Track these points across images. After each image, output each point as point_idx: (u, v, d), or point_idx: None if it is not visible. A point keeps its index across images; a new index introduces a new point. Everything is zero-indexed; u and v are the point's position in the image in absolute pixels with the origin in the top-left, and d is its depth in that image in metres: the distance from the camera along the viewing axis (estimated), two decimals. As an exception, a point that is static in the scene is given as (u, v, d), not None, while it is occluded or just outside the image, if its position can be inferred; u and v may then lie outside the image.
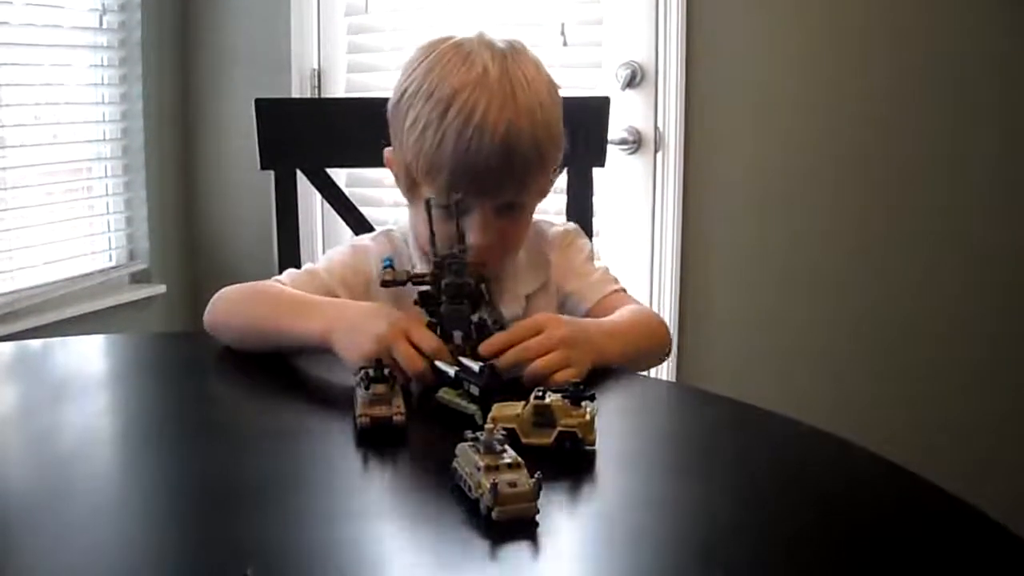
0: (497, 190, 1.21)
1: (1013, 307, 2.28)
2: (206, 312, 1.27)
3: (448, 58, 1.21)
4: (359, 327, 1.10)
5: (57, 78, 2.66)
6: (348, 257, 1.34)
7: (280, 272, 1.38)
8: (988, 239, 2.27)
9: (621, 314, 1.27)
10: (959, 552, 0.74)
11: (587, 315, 1.31)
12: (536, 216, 1.42)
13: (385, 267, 1.13)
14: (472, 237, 1.20)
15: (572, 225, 1.46)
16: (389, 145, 1.30)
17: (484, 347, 1.05)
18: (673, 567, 0.72)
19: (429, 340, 1.05)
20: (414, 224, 1.31)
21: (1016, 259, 2.27)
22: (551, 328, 1.09)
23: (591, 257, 1.42)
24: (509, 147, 1.17)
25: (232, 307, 1.26)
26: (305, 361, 1.16)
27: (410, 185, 1.28)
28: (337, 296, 1.28)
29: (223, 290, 1.29)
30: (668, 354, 1.33)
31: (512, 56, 1.22)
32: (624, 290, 1.38)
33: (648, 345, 1.26)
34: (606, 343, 1.16)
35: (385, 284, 1.12)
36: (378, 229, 1.41)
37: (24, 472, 0.88)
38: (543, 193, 1.32)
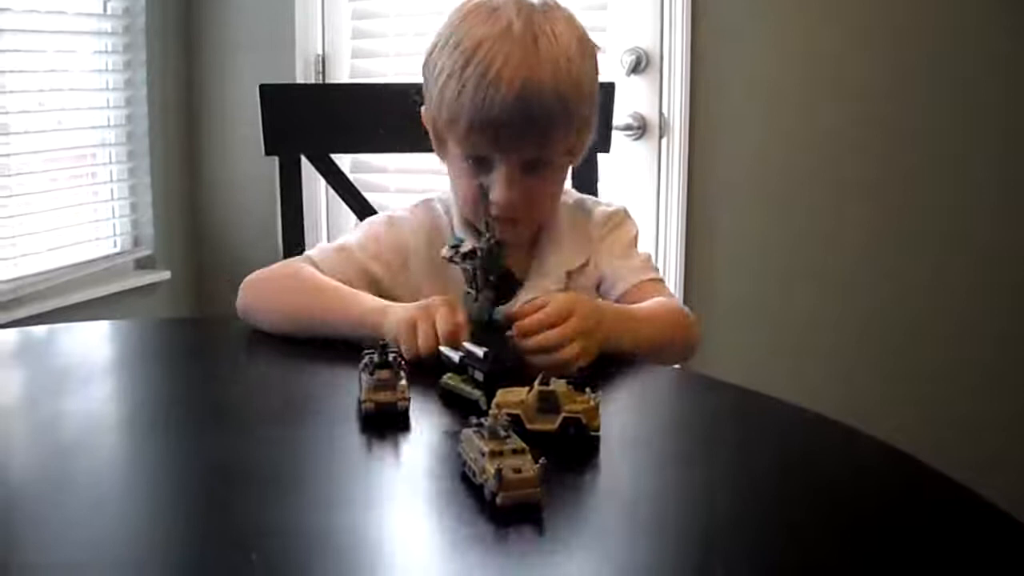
0: (516, 144, 1.20)
1: (1018, 305, 2.27)
2: (239, 296, 1.26)
3: (476, 11, 1.23)
4: (404, 310, 1.11)
5: (61, 64, 2.66)
6: (383, 231, 1.34)
7: (285, 257, 1.38)
8: (993, 234, 2.27)
9: (649, 304, 1.26)
10: (964, 539, 0.74)
11: (619, 300, 1.30)
12: (584, 196, 1.44)
13: (452, 245, 1.10)
14: (495, 193, 1.21)
15: (621, 206, 1.44)
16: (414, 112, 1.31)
17: (518, 328, 1.05)
18: (677, 553, 0.72)
19: (445, 323, 1.05)
20: (454, 180, 1.31)
21: (1022, 256, 2.26)
22: (579, 313, 1.08)
23: (635, 242, 1.41)
24: (526, 101, 1.16)
25: (270, 294, 1.25)
26: (310, 346, 1.16)
27: (438, 138, 1.29)
28: (371, 272, 1.28)
29: (255, 275, 1.28)
30: (693, 352, 1.29)
31: (542, 11, 1.22)
32: (661, 280, 1.37)
33: (668, 339, 1.23)
34: (618, 329, 1.15)
35: (450, 261, 1.11)
36: (420, 199, 1.40)
37: (29, 458, 0.88)
38: (573, 152, 1.30)
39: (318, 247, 1.34)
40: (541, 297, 1.12)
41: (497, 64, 1.16)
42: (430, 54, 1.26)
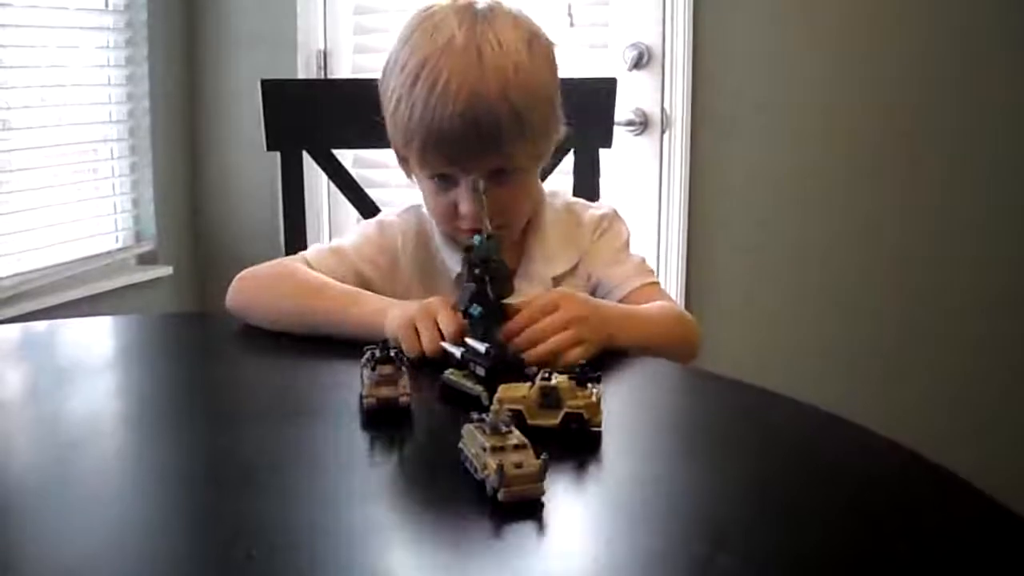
0: (471, 159, 1.19)
1: (1019, 305, 2.27)
2: (230, 293, 1.26)
3: (421, 27, 1.21)
4: (403, 309, 1.11)
5: (63, 60, 2.65)
6: (375, 234, 1.34)
7: (287, 253, 1.39)
8: (995, 235, 2.27)
9: (649, 305, 1.25)
10: (968, 535, 0.74)
11: None
12: (574, 199, 1.43)
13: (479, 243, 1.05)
14: (462, 208, 1.21)
15: (610, 209, 1.41)
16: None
17: (505, 332, 1.04)
18: (678, 548, 0.72)
19: (448, 323, 1.05)
20: (424, 199, 1.31)
21: (1023, 257, 2.26)
22: (565, 305, 1.08)
23: (627, 245, 1.38)
24: (475, 115, 1.15)
25: (268, 292, 1.25)
26: (312, 342, 1.16)
27: (399, 158, 1.29)
28: (363, 274, 1.28)
29: (249, 272, 1.28)
30: (694, 354, 1.27)
31: (484, 18, 1.19)
32: (658, 284, 1.35)
33: (667, 341, 1.21)
34: (621, 325, 1.15)
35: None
36: (407, 205, 1.39)
37: (30, 454, 0.89)
38: (540, 157, 1.28)
39: (313, 248, 1.35)
40: (526, 296, 1.11)
41: (442, 80, 1.15)
42: (383, 76, 1.25)
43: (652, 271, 1.36)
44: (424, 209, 1.35)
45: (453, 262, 1.28)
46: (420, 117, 1.17)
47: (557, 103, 1.26)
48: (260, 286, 1.26)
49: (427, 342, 1.05)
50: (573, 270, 1.33)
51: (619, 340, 1.13)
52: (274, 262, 1.32)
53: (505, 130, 1.17)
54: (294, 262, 1.29)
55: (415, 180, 1.30)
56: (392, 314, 1.11)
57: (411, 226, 1.35)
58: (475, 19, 1.19)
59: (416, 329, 1.06)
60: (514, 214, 1.27)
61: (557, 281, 1.31)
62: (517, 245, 1.32)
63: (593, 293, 1.31)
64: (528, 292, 1.21)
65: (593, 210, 1.39)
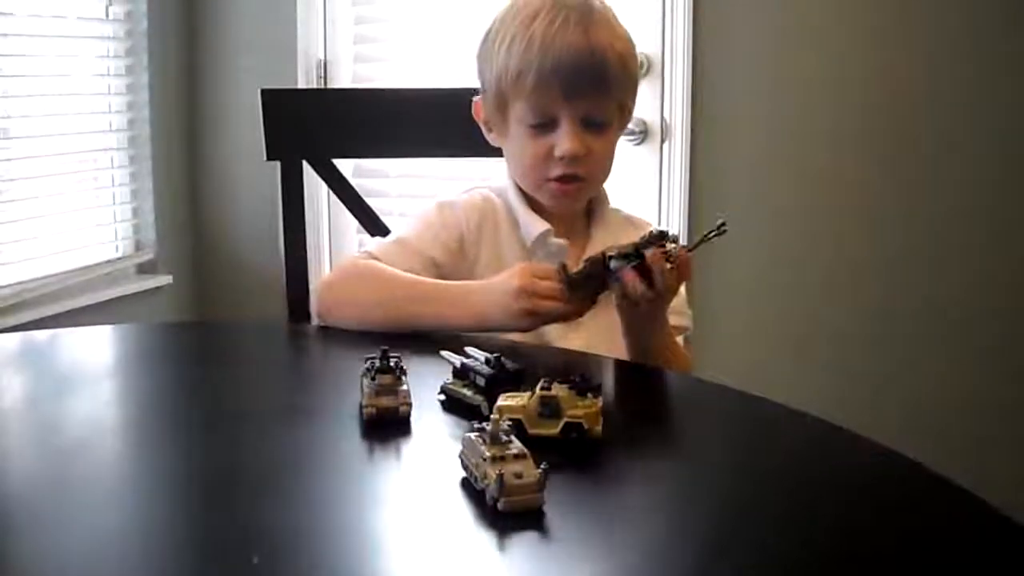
0: (582, 90, 1.27)
1: (1020, 306, 2.27)
2: (316, 299, 1.30)
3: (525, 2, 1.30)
4: (499, 298, 1.18)
5: (63, 69, 2.66)
6: (435, 218, 1.36)
7: (287, 262, 1.39)
8: (997, 235, 2.27)
9: (680, 346, 1.37)
10: (964, 543, 0.73)
11: None
12: (635, 215, 1.49)
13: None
14: (561, 147, 1.28)
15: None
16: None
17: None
18: (679, 559, 0.72)
19: (547, 269, 1.17)
20: (515, 155, 1.35)
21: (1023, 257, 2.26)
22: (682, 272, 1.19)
23: None
24: (590, 49, 1.25)
25: (359, 292, 1.27)
26: (312, 349, 1.16)
27: (500, 112, 1.33)
28: (434, 258, 1.31)
29: (331, 277, 1.36)
30: None
31: None
32: (685, 331, 1.41)
33: (667, 365, 1.26)
34: (665, 331, 1.27)
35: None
36: (472, 186, 1.42)
37: (31, 462, 0.88)
38: (626, 116, 1.38)
39: (374, 242, 1.38)
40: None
41: (560, 17, 1.25)
42: (486, 38, 1.33)
43: (689, 314, 1.42)
44: (489, 192, 1.39)
45: (531, 228, 1.34)
46: (540, 46, 1.25)
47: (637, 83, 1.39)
48: (348, 289, 1.29)
49: (550, 303, 1.15)
50: None
51: (657, 336, 1.25)
52: (348, 263, 1.37)
53: (612, 72, 1.27)
54: (366, 260, 1.31)
55: (502, 141, 1.36)
56: (499, 308, 1.17)
57: (474, 204, 1.37)
58: None
59: (533, 297, 1.15)
60: (600, 169, 1.35)
61: None
62: (582, 236, 1.38)
63: None
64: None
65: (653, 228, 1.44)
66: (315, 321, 1.30)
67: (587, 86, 1.26)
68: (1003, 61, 2.20)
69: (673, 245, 1.15)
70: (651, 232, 1.16)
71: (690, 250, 1.17)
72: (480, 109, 1.38)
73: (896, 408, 2.30)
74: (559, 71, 1.25)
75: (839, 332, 2.39)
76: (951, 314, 2.31)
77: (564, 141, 1.27)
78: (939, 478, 0.82)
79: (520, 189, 1.37)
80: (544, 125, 1.29)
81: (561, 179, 1.30)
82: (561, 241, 1.34)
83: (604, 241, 1.34)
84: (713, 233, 1.15)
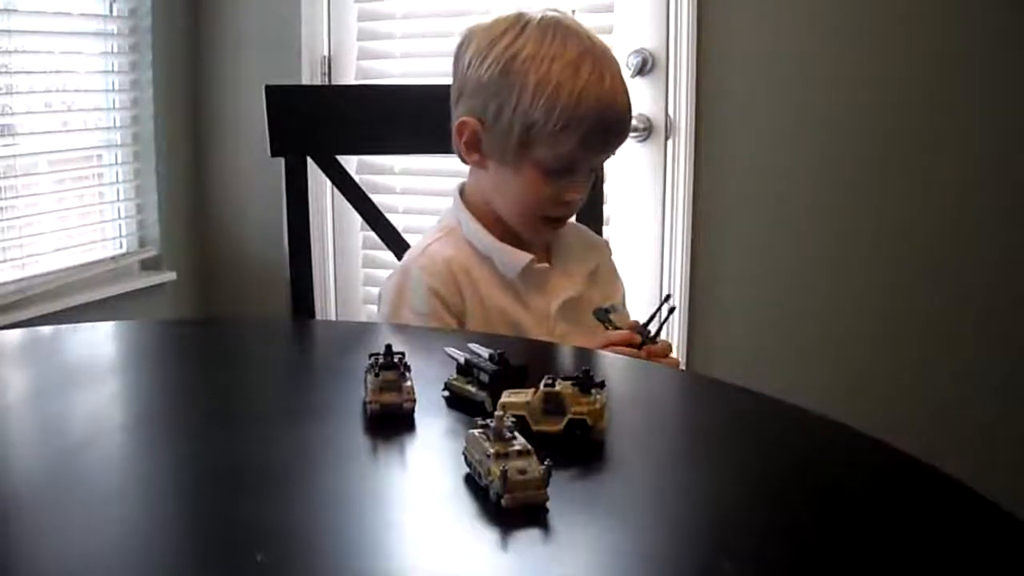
0: (609, 148, 1.33)
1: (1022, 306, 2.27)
2: None
3: (552, 28, 1.29)
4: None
5: (67, 65, 2.66)
6: (425, 308, 1.32)
7: (291, 258, 1.38)
8: (999, 235, 2.26)
9: None
10: (969, 540, 0.73)
11: None
12: None
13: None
14: (571, 195, 1.33)
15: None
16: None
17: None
18: (682, 555, 0.72)
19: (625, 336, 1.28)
20: (515, 191, 1.34)
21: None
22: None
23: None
24: (626, 105, 1.31)
25: None
26: (315, 347, 1.16)
27: (521, 147, 1.30)
28: (455, 306, 1.33)
29: None
30: None
31: (586, 34, 1.32)
32: None
33: None
34: None
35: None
36: (437, 230, 1.41)
37: (34, 458, 0.88)
38: None
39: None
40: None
41: (605, 71, 1.28)
42: (506, 68, 1.28)
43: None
44: (459, 231, 1.37)
45: (512, 261, 1.34)
46: (596, 100, 1.26)
47: None
48: None
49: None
50: (597, 267, 1.45)
51: None
52: None
53: (627, 126, 1.34)
54: None
55: (500, 170, 1.34)
56: None
57: (440, 272, 1.34)
58: (577, 31, 1.31)
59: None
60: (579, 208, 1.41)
61: (591, 276, 1.43)
62: (544, 246, 1.41)
63: None
64: (566, 286, 1.36)
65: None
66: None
67: (615, 145, 1.33)
68: (1003, 61, 2.20)
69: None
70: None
71: (653, 338, 1.28)
72: (467, 131, 1.34)
73: (897, 406, 2.30)
74: (602, 132, 1.29)
75: (842, 329, 2.39)
76: (953, 312, 2.31)
77: (578, 190, 1.33)
78: (944, 476, 0.82)
79: (486, 226, 1.35)
80: (562, 171, 1.31)
81: (557, 218, 1.36)
82: (544, 266, 1.37)
83: (569, 250, 1.42)
84: (665, 315, 1.26)
